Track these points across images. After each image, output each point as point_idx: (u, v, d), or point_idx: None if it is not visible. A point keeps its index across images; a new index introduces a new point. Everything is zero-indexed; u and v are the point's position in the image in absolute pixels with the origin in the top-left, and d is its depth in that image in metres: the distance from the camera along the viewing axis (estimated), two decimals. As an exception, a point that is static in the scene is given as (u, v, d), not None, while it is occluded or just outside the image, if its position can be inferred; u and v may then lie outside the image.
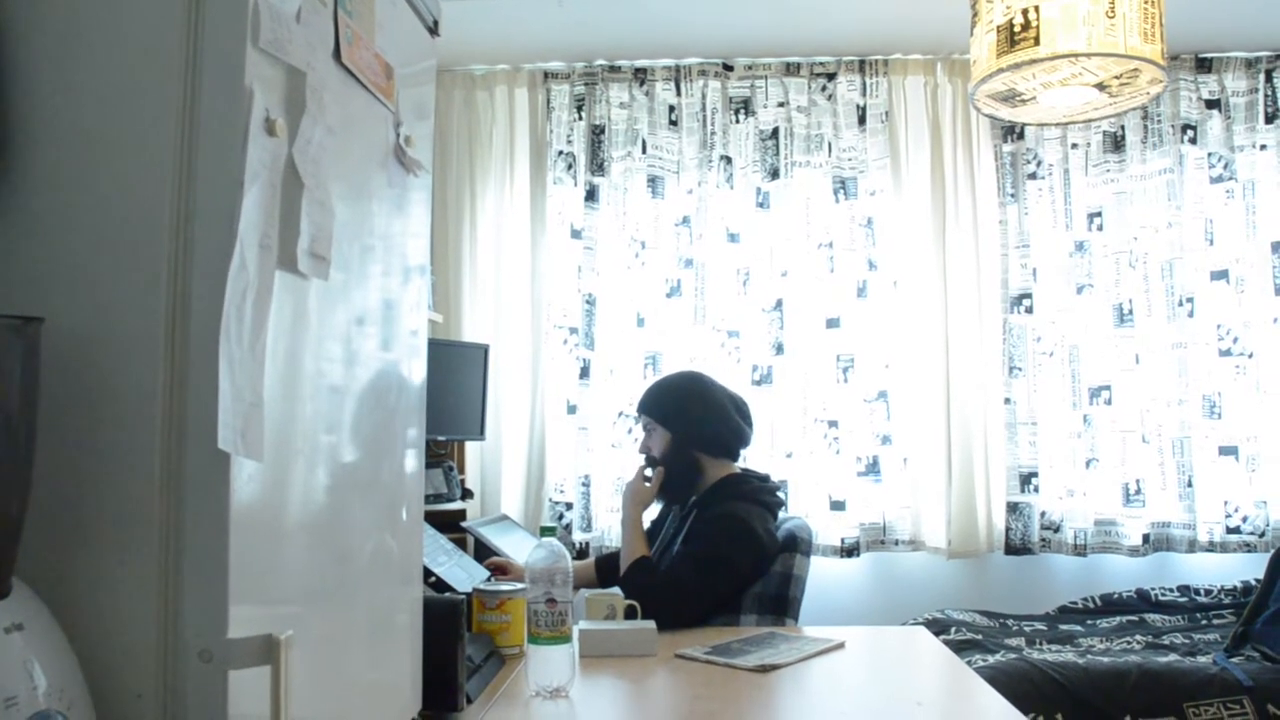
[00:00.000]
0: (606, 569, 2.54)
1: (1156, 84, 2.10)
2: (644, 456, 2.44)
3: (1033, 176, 3.55)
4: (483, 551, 2.50)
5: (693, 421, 2.39)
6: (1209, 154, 3.51)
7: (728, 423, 2.40)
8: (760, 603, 2.25)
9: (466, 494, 3.33)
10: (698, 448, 2.39)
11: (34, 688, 0.74)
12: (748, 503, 2.31)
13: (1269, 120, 3.49)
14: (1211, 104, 3.52)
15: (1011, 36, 2.04)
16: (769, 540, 2.27)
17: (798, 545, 2.32)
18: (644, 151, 3.58)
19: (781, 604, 2.26)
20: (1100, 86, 2.13)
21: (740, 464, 2.49)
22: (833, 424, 3.49)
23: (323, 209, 1.00)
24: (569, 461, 3.51)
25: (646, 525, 2.55)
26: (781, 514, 2.43)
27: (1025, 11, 2.02)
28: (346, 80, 1.09)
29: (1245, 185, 3.48)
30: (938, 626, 2.93)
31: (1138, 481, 3.44)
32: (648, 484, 2.41)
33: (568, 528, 3.48)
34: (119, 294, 0.87)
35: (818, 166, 3.56)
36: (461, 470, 3.41)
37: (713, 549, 2.21)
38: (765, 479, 2.46)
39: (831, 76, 3.56)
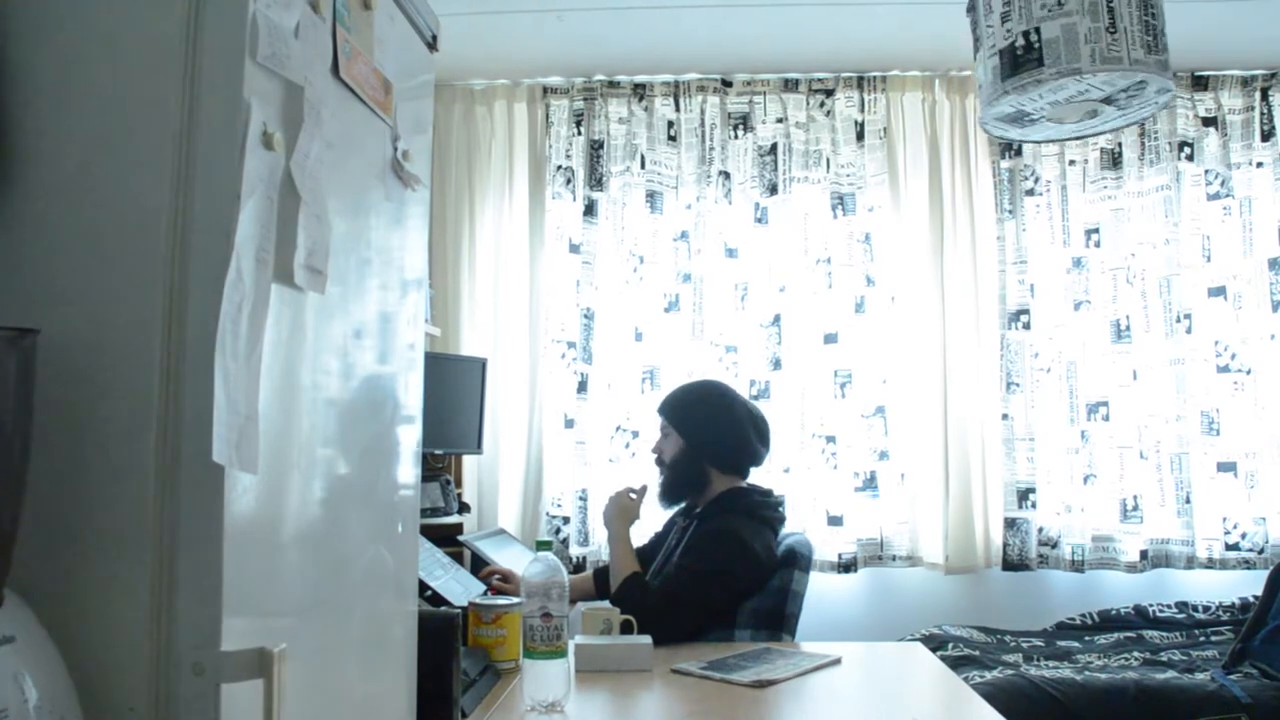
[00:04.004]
0: (606, 581, 2.53)
1: (1164, 93, 2.11)
2: (654, 457, 2.47)
3: (1030, 193, 3.56)
4: (479, 565, 2.49)
5: (708, 434, 2.39)
6: (1206, 171, 3.52)
7: (742, 440, 2.40)
8: (756, 618, 2.24)
9: (463, 508, 3.33)
10: (708, 460, 2.40)
11: (25, 701, 0.74)
12: (746, 518, 2.31)
13: (1265, 138, 3.50)
14: (1208, 121, 3.53)
15: (1015, 60, 2.04)
16: (766, 556, 2.27)
17: (797, 561, 2.31)
18: (643, 166, 3.59)
19: (778, 619, 2.25)
20: (1108, 101, 2.14)
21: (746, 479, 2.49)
22: (830, 439, 3.48)
23: (320, 222, 1.01)
24: (566, 476, 3.51)
25: (649, 537, 2.55)
26: (783, 530, 2.43)
27: (1026, 34, 2.02)
28: (344, 95, 1.09)
29: (1242, 202, 3.49)
30: (935, 642, 2.92)
31: (1135, 498, 3.43)
32: (633, 498, 2.41)
33: (565, 542, 3.47)
34: (115, 306, 0.88)
35: (816, 182, 3.57)
36: (459, 484, 3.41)
37: (706, 563, 2.21)
38: (768, 494, 2.45)
39: (830, 93, 3.58)
